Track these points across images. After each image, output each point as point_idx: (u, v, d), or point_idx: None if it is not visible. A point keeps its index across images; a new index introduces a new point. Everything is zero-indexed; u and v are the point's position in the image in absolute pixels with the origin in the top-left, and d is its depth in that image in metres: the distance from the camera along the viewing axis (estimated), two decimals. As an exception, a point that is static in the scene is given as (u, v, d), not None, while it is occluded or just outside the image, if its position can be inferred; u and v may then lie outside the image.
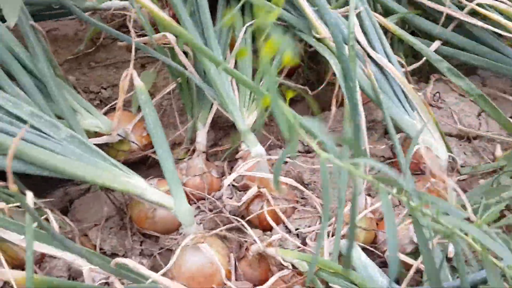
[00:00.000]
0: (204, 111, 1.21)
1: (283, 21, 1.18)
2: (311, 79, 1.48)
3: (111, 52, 1.37)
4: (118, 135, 1.16)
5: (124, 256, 1.05)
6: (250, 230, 1.01)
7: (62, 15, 1.33)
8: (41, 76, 1.05)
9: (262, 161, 0.98)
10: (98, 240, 1.01)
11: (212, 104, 1.21)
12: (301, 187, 1.09)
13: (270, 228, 1.06)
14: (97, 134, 1.18)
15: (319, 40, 1.10)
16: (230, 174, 1.18)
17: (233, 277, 0.92)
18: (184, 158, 1.26)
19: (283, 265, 0.94)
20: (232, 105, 1.00)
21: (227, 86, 1.05)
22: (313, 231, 1.01)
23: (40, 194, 1.13)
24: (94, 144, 1.04)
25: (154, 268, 1.04)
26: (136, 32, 1.16)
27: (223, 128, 1.35)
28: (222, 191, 1.15)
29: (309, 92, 1.30)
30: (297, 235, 1.01)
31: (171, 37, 1.07)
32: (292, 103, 1.46)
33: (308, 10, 1.08)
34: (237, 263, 0.97)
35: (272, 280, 0.86)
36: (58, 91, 1.03)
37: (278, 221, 1.01)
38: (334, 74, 1.48)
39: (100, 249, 1.01)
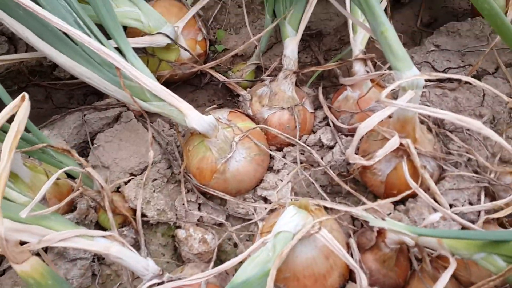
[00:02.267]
0: (297, 6, 0.81)
1: None
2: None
3: None
4: (165, 35, 0.77)
5: (175, 225, 0.71)
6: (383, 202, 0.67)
7: None
8: None
9: (416, 95, 0.61)
10: (138, 203, 0.67)
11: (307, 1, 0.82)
12: (455, 138, 0.73)
13: (402, 201, 0.72)
14: (131, 33, 0.80)
15: None
16: (329, 107, 0.82)
17: (360, 279, 0.58)
18: (255, 80, 0.88)
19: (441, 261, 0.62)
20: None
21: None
22: (480, 212, 0.67)
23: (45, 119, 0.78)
24: (133, 48, 0.67)
25: (222, 247, 0.72)
26: None
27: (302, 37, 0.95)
28: (319, 135, 0.80)
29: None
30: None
31: None
32: (398, 6, 1.06)
33: None
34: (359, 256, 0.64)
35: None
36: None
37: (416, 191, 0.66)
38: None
39: (142, 215, 0.68)
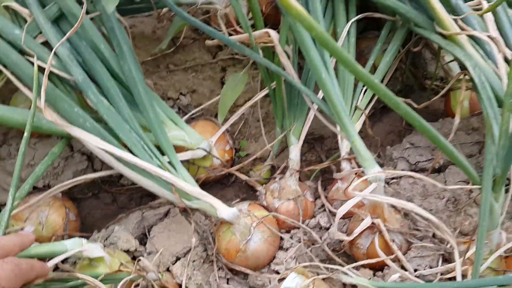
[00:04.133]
0: (298, 121, 1.11)
1: (398, 14, 1.07)
2: (409, 84, 1.36)
3: (190, 54, 1.29)
4: (203, 149, 1.09)
5: (209, 294, 0.98)
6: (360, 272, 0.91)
7: (140, 10, 1.21)
8: (127, 80, 0.98)
9: (379, 186, 0.88)
10: (184, 278, 0.94)
11: (306, 115, 1.12)
12: (424, 214, 0.98)
13: (381, 268, 0.96)
14: (178, 148, 1.13)
15: (445, 37, 0.98)
16: (326, 197, 1.09)
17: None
18: (269, 178, 1.18)
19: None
20: (343, 112, 0.90)
21: (337, 91, 0.95)
22: (437, 273, 0.90)
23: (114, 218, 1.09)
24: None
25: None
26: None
27: (306, 141, 1.24)
28: (318, 219, 1.07)
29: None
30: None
31: (273, 34, 0.96)
32: (385, 111, 1.34)
33: (434, 1, 0.95)
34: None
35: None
36: (147, 99, 0.98)
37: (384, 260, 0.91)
38: (441, 79, 1.37)
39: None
